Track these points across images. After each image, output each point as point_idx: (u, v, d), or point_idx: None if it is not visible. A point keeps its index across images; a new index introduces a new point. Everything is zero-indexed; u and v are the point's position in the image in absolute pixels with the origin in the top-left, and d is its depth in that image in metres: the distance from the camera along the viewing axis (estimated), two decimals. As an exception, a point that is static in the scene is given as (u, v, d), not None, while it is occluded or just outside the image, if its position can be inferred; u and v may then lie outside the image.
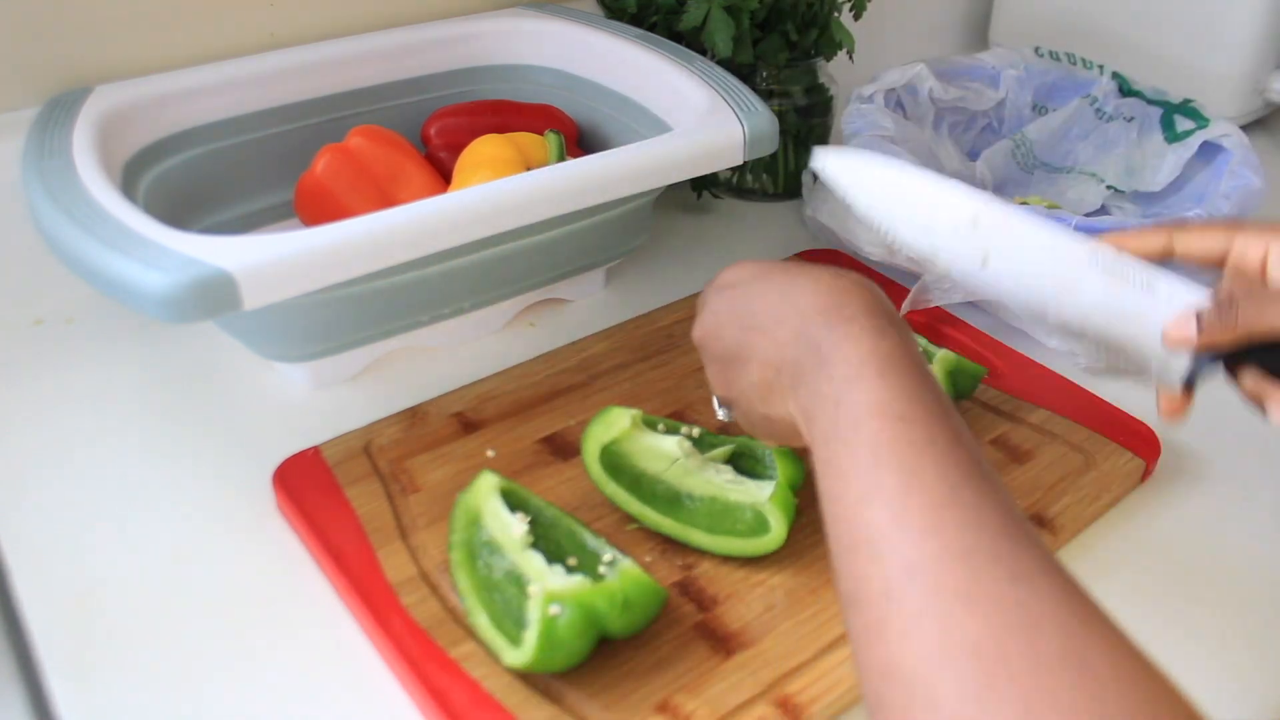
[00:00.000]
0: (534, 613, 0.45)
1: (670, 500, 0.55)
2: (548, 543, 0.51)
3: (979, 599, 0.33)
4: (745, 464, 0.57)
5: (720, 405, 0.52)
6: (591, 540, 0.51)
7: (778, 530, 0.52)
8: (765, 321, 0.46)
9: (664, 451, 0.56)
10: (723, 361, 0.48)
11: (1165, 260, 0.51)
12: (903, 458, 0.37)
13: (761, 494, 0.53)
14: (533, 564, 0.48)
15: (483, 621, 0.47)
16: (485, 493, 0.52)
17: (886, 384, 0.40)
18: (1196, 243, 0.51)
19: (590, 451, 0.56)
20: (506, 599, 0.48)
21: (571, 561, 0.50)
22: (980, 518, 0.35)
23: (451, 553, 0.50)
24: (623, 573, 0.47)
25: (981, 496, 0.36)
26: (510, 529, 0.50)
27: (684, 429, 0.58)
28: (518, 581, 0.48)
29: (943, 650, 0.32)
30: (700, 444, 0.57)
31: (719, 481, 0.55)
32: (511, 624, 0.47)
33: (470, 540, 0.50)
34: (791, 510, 0.53)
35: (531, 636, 0.45)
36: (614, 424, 0.56)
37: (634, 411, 0.57)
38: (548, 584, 0.47)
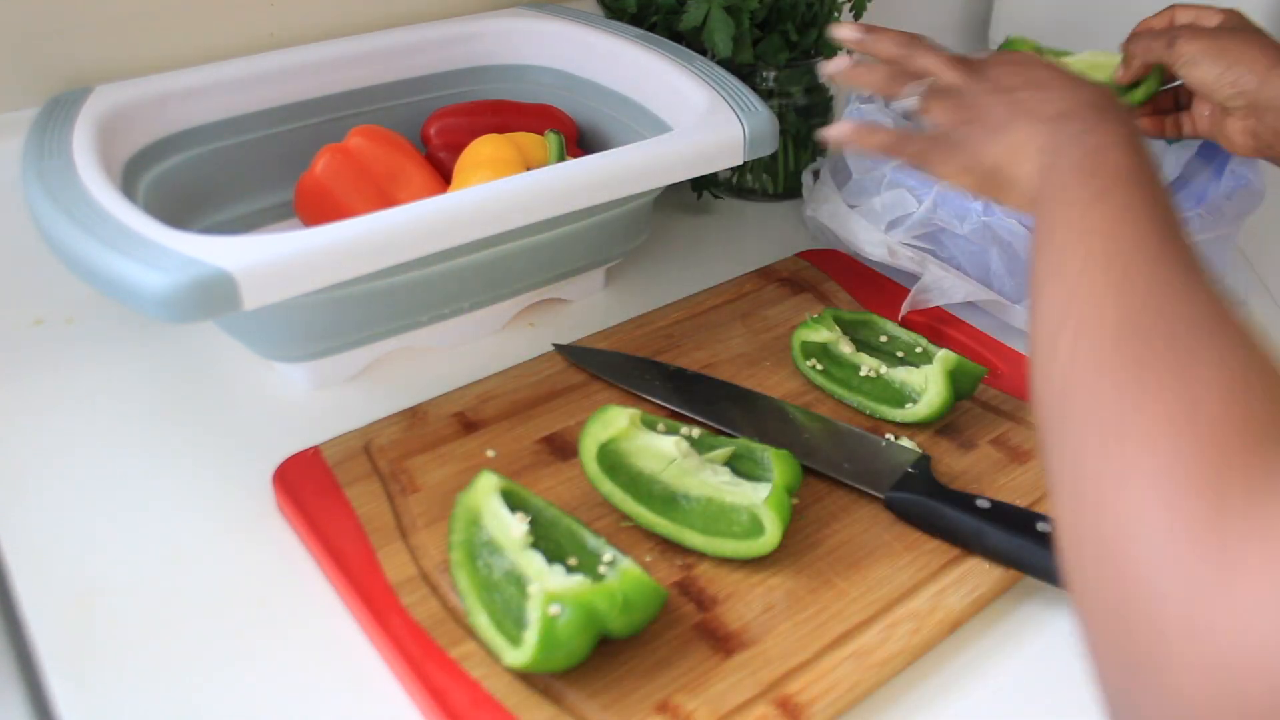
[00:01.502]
0: (534, 613, 0.45)
1: (666, 500, 0.55)
2: (548, 543, 0.51)
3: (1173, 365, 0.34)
4: (743, 466, 0.57)
5: (924, 99, 0.58)
6: (591, 540, 0.51)
7: (772, 533, 0.52)
8: (1046, 80, 0.54)
9: (662, 451, 0.56)
10: (1000, 91, 0.54)
11: None
12: (1146, 246, 0.39)
13: (758, 496, 0.53)
14: (533, 564, 0.48)
15: (483, 621, 0.47)
16: (485, 493, 0.52)
17: (1143, 185, 0.44)
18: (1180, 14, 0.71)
19: (588, 450, 0.56)
20: (506, 599, 0.48)
21: (571, 561, 0.50)
22: (1171, 277, 0.38)
23: (451, 553, 0.50)
24: (623, 573, 0.47)
25: (1183, 268, 0.38)
26: (510, 529, 0.50)
27: (683, 430, 0.58)
28: (517, 581, 0.48)
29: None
30: (699, 445, 0.57)
31: (716, 483, 0.55)
32: (511, 624, 0.47)
33: (470, 540, 0.50)
34: (787, 513, 0.52)
35: (531, 636, 0.45)
36: (612, 423, 0.56)
37: (632, 411, 0.57)
38: (547, 584, 0.47)
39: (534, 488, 0.56)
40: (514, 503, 0.52)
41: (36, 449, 0.61)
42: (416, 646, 0.48)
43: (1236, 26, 0.68)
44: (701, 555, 0.54)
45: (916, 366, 0.65)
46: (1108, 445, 0.33)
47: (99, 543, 0.55)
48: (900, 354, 0.67)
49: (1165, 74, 0.72)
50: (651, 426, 0.57)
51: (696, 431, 0.58)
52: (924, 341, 0.67)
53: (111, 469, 0.60)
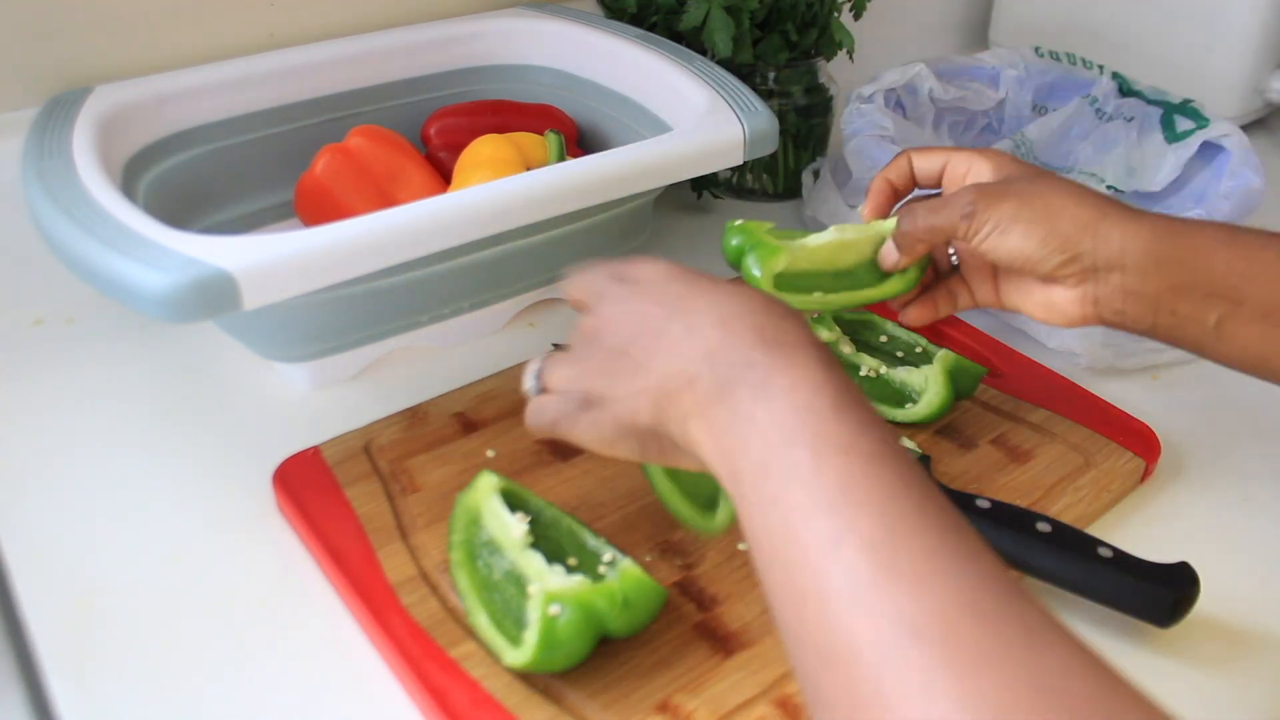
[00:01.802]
0: (534, 613, 0.45)
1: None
2: (548, 542, 0.51)
3: (998, 661, 0.30)
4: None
5: (535, 380, 0.46)
6: (591, 540, 0.51)
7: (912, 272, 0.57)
8: (678, 330, 0.41)
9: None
10: (610, 355, 0.43)
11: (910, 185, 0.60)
12: (878, 499, 0.34)
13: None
14: (532, 564, 0.48)
15: (482, 621, 0.47)
16: (485, 493, 0.52)
17: (843, 418, 0.37)
18: (925, 162, 0.59)
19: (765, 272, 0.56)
20: (506, 599, 0.48)
21: (571, 561, 0.50)
22: (977, 568, 0.33)
23: (451, 553, 0.50)
24: (623, 572, 0.47)
25: (971, 545, 0.33)
26: (510, 529, 0.50)
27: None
28: (518, 581, 0.48)
29: (966, 715, 0.29)
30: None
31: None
32: (511, 624, 0.47)
33: (470, 540, 0.50)
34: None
35: (531, 636, 0.45)
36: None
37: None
38: (548, 584, 0.47)
39: (534, 488, 0.56)
40: (514, 503, 0.52)
41: (36, 449, 0.61)
42: (416, 646, 0.48)
43: (1024, 175, 0.55)
44: (702, 555, 0.54)
45: (916, 366, 0.65)
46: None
47: (99, 543, 0.55)
48: (900, 354, 0.67)
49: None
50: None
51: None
52: (924, 341, 0.67)
53: (111, 469, 0.60)
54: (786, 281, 0.57)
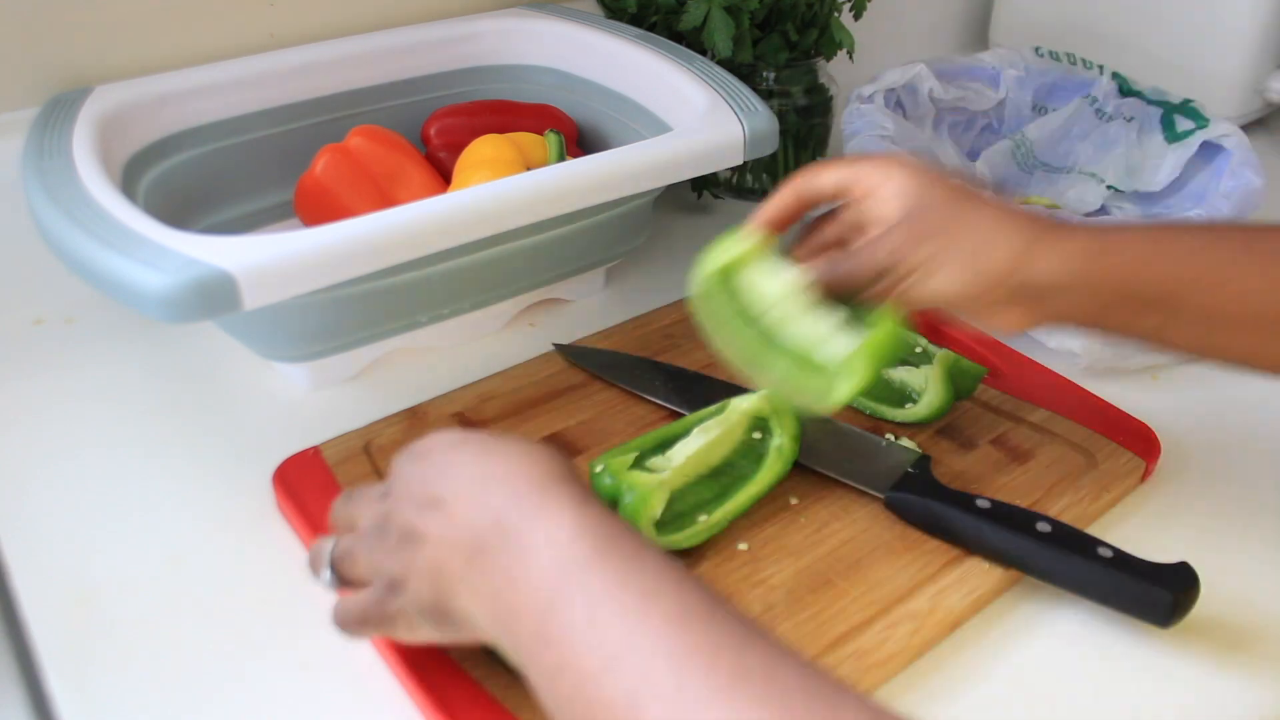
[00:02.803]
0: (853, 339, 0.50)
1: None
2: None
3: None
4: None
5: (330, 572, 0.44)
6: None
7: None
8: (447, 495, 0.39)
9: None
10: (398, 537, 0.41)
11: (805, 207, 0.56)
12: (668, 638, 0.32)
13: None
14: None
15: (782, 368, 0.51)
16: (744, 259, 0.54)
17: (609, 562, 0.35)
18: (820, 181, 0.55)
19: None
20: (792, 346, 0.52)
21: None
22: (784, 682, 0.31)
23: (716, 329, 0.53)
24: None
25: (770, 658, 0.32)
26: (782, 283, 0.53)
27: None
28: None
29: None
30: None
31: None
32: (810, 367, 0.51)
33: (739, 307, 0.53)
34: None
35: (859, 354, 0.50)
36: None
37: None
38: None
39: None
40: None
41: (36, 449, 0.61)
42: (416, 646, 0.48)
43: (937, 199, 0.51)
44: (701, 556, 0.54)
45: (916, 366, 0.65)
46: None
47: (99, 543, 0.55)
48: (899, 354, 0.67)
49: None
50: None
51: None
52: (924, 341, 0.67)
53: (111, 469, 0.60)
54: (672, 508, 0.54)
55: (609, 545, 0.36)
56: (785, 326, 0.53)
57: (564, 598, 0.35)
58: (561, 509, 0.37)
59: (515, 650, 0.37)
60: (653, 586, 0.34)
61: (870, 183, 0.53)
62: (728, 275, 0.55)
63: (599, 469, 0.54)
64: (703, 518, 0.54)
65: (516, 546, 0.36)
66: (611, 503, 0.53)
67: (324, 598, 0.52)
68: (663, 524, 0.53)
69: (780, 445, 0.57)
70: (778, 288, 0.53)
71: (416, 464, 0.42)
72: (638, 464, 0.55)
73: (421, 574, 0.40)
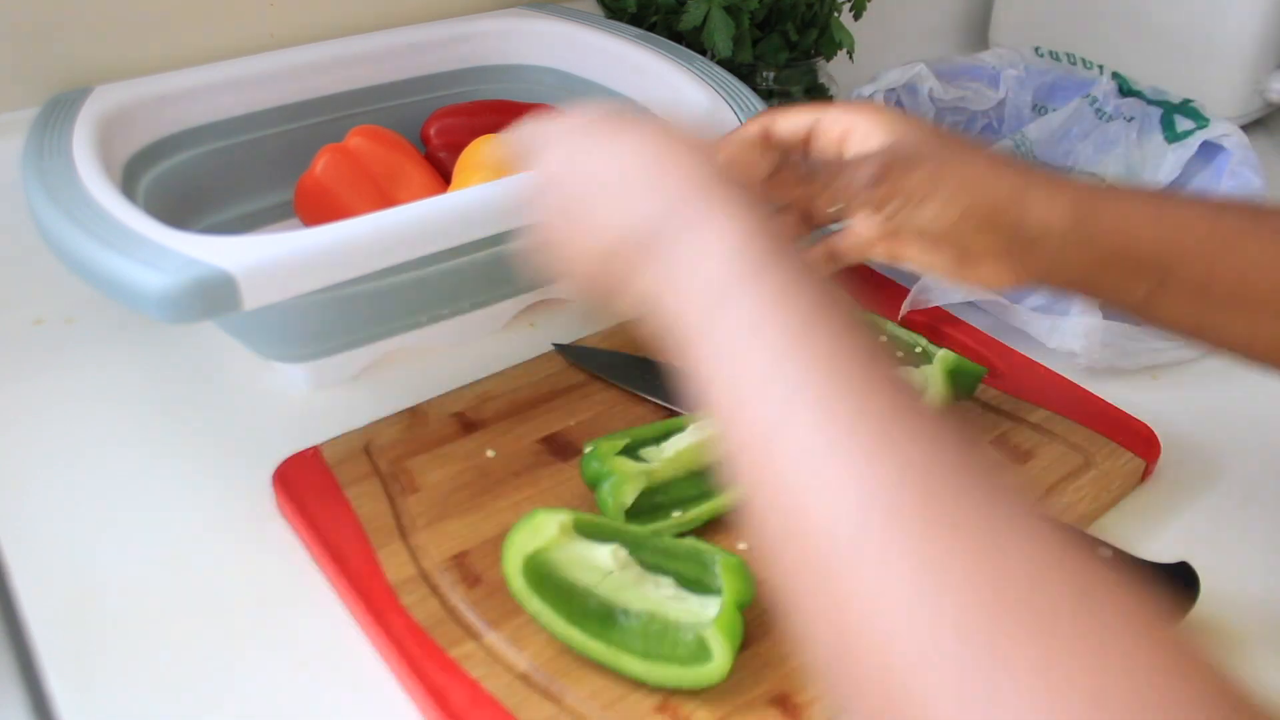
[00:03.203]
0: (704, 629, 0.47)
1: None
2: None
3: (960, 525, 0.28)
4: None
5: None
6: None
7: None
8: (635, 177, 0.40)
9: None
10: (575, 205, 0.42)
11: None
12: (829, 366, 0.32)
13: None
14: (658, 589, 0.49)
15: (639, 668, 0.46)
16: (556, 541, 0.49)
17: (778, 266, 0.35)
18: (787, 125, 0.52)
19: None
20: (649, 632, 0.48)
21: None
22: (931, 430, 0.31)
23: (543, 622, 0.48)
24: (724, 565, 0.49)
25: (919, 407, 0.31)
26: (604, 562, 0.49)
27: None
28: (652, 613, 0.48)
29: (925, 591, 0.27)
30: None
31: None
32: (668, 646, 0.47)
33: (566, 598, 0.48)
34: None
35: (720, 646, 0.46)
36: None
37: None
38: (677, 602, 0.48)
39: (533, 487, 0.57)
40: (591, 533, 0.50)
41: (36, 449, 0.61)
42: (416, 646, 0.48)
43: (926, 138, 0.49)
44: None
45: (916, 366, 0.65)
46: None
47: (99, 543, 0.55)
48: (900, 354, 0.67)
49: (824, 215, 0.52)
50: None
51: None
52: (924, 341, 0.67)
53: (111, 469, 0.60)
54: (651, 499, 0.54)
55: (775, 254, 0.36)
56: (623, 596, 0.48)
57: (738, 300, 0.35)
58: (734, 212, 0.37)
59: (685, 336, 0.38)
60: (813, 317, 0.34)
61: (847, 122, 0.51)
62: (539, 561, 0.49)
63: (589, 449, 0.55)
64: (676, 513, 0.55)
65: (694, 240, 0.37)
66: (595, 486, 0.55)
67: (324, 598, 0.52)
68: (638, 513, 0.54)
69: None
70: (602, 562, 0.49)
71: (582, 137, 0.43)
72: (632, 453, 0.56)
73: (601, 247, 0.41)
